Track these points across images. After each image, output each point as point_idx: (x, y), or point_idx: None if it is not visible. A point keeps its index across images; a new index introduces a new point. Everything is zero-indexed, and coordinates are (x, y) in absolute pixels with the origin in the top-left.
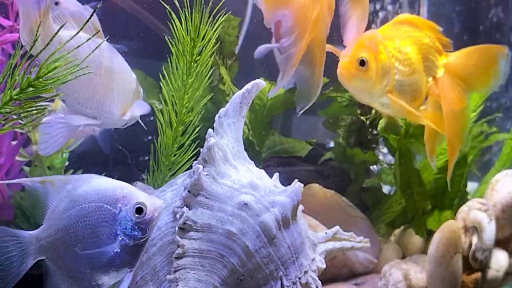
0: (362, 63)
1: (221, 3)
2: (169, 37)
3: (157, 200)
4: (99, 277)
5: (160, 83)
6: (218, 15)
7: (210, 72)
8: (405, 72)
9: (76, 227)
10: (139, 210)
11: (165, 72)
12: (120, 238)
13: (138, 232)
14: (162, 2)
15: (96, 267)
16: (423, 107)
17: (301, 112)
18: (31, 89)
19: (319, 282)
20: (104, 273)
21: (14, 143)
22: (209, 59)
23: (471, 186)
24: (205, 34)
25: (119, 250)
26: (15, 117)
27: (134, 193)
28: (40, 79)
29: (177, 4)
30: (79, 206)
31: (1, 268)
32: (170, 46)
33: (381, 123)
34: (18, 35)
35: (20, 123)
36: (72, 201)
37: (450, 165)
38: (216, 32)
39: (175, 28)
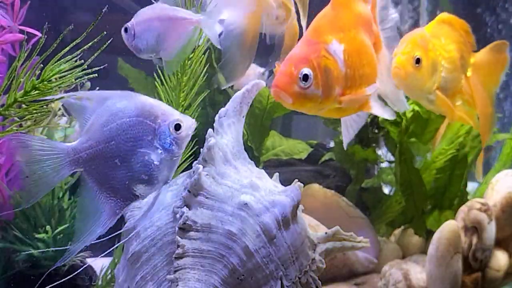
0: (418, 61)
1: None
2: None
3: (191, 119)
4: (137, 187)
5: (155, 82)
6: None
7: (204, 71)
8: (449, 69)
9: (118, 140)
10: (178, 127)
11: (159, 71)
12: (160, 152)
13: (175, 146)
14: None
15: (135, 178)
16: (459, 103)
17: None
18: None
19: (319, 282)
20: (142, 184)
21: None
22: (203, 56)
23: (471, 186)
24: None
25: (158, 163)
26: (17, 119)
27: (171, 110)
28: (45, 82)
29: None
30: (120, 120)
31: (36, 176)
32: None
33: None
34: (18, 35)
35: (22, 125)
36: (112, 114)
37: (479, 165)
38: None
39: None
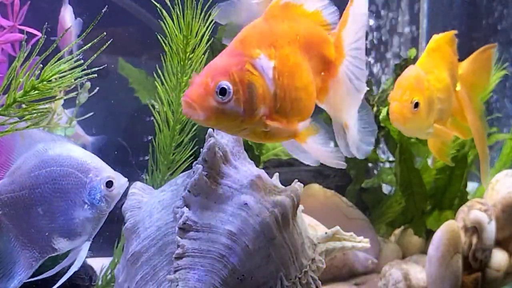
0: (416, 105)
1: None
2: (161, 35)
3: (123, 178)
4: (57, 241)
5: (155, 82)
6: (210, 11)
7: None
8: (443, 99)
9: (44, 188)
10: (109, 184)
11: (159, 71)
12: (87, 207)
13: (104, 204)
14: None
15: (56, 231)
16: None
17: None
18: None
19: (319, 282)
20: (63, 238)
21: None
22: (203, 56)
23: (471, 186)
24: (198, 31)
25: (83, 219)
26: (17, 119)
27: (104, 166)
28: (44, 82)
29: (167, 1)
30: (49, 168)
31: None
32: (163, 44)
33: (383, 111)
34: (18, 35)
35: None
36: (42, 161)
37: (483, 170)
38: (209, 29)
39: (167, 25)
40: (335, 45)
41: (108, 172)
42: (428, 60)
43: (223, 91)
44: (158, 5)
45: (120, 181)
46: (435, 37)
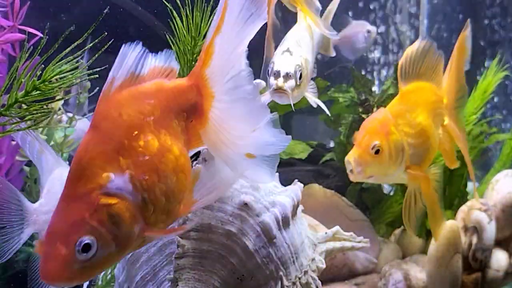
0: (376, 149)
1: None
2: (169, 36)
3: None
4: None
5: None
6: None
7: None
8: (418, 144)
9: None
10: None
11: None
12: None
13: None
14: (164, 1)
15: None
16: (438, 171)
17: None
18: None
19: (319, 282)
20: None
21: (14, 143)
22: None
23: (471, 186)
24: (206, 32)
25: None
26: (18, 119)
27: None
28: (46, 82)
29: (178, 2)
30: None
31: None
32: (171, 44)
33: None
34: (18, 35)
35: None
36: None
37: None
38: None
39: (176, 26)
40: (196, 87)
41: None
42: (400, 103)
43: (86, 248)
44: (168, 5)
45: None
46: (408, 52)
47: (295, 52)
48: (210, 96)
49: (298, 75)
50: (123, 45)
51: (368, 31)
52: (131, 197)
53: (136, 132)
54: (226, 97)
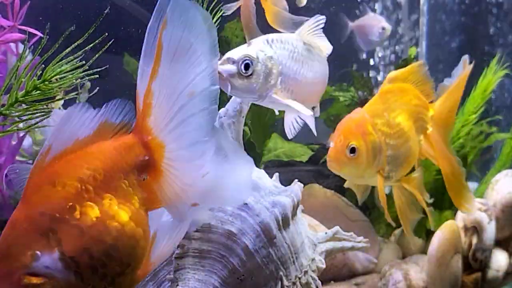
0: (352, 150)
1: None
2: None
3: None
4: None
5: None
6: (215, 11)
7: None
8: (397, 145)
9: None
10: None
11: None
12: None
13: None
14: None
15: None
16: (417, 174)
17: None
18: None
19: (319, 282)
20: None
21: (14, 143)
22: None
23: (471, 186)
24: None
25: None
26: (17, 119)
27: None
28: (46, 82)
29: None
30: None
31: None
32: None
33: None
34: (18, 35)
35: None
36: None
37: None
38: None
39: None
40: (142, 140)
41: None
42: (378, 102)
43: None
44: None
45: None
46: (391, 75)
47: (254, 45)
48: (160, 147)
49: (243, 66)
50: (68, 108)
51: (383, 28)
52: (61, 275)
53: (71, 204)
54: (175, 144)
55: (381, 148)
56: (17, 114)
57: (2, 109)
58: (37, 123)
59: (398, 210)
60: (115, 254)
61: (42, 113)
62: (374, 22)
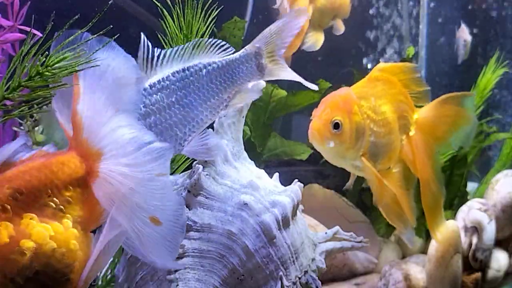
0: (336, 126)
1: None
2: (161, 34)
3: None
4: None
5: None
6: (210, 10)
7: None
8: (380, 133)
9: None
10: None
11: None
12: None
13: None
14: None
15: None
16: (396, 170)
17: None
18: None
19: (319, 282)
20: None
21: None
22: None
23: (471, 186)
24: (198, 30)
25: None
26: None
27: None
28: (49, 68)
29: (168, 1)
30: None
31: None
32: (164, 43)
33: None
34: (18, 35)
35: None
36: None
37: (431, 227)
38: (209, 28)
39: (167, 24)
40: (77, 152)
41: None
42: (367, 87)
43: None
44: (158, 4)
45: None
46: (380, 65)
47: None
48: (96, 155)
49: None
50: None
51: (465, 40)
52: None
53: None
54: (112, 147)
55: (365, 131)
56: (20, 98)
57: (5, 93)
58: (39, 107)
59: (383, 207)
60: (31, 275)
61: (45, 98)
62: (462, 35)
